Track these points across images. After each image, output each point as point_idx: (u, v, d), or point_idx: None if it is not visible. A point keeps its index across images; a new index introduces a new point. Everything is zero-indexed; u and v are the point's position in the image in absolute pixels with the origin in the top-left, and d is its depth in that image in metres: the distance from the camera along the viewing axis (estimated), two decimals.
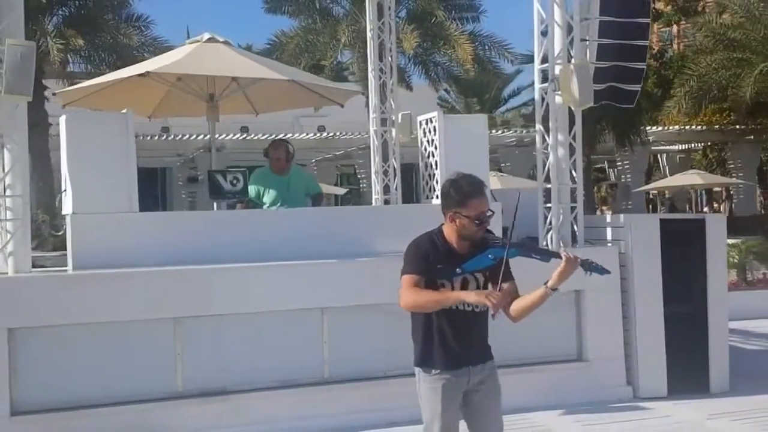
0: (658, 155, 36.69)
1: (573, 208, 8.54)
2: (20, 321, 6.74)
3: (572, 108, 8.45)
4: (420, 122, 8.77)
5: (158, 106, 9.87)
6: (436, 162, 8.38)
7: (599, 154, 32.55)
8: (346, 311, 7.58)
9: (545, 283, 4.27)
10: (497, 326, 4.46)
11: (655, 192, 35.69)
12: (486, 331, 4.58)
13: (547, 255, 4.39)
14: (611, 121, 25.76)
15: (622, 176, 33.40)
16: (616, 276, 8.11)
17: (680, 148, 34.74)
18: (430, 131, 8.51)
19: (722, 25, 29.21)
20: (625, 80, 8.72)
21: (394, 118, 12.20)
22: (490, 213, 4.40)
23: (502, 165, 29.51)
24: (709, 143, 35.17)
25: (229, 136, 27.28)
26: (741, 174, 32.05)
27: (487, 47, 26.01)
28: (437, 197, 8.40)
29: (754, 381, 8.78)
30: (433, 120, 8.45)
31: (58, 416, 6.82)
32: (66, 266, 7.63)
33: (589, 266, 4.24)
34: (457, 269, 4.39)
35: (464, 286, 4.39)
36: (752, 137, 32.01)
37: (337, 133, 28.74)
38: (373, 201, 11.51)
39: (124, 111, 7.48)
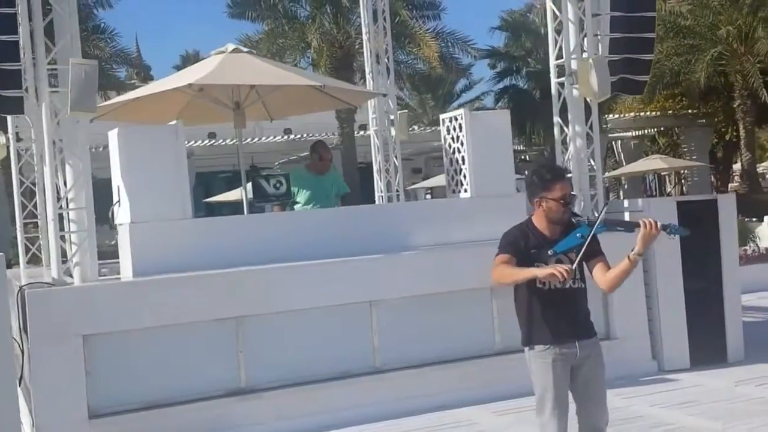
0: (613, 142, 37.59)
1: (593, 196, 9.03)
2: (93, 328, 7.00)
3: (588, 100, 8.94)
4: (443, 120, 9.17)
5: (179, 115, 10.12)
6: (463, 158, 8.79)
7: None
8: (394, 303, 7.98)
9: (631, 251, 4.64)
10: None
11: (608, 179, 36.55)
12: (586, 308, 5.00)
13: (630, 226, 4.77)
14: None
15: None
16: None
17: (634, 134, 35.65)
18: (455, 128, 8.92)
19: (671, 12, 30.11)
20: (634, 71, 9.23)
21: (393, 117, 12.64)
22: (574, 194, 4.83)
23: None
24: (662, 128, 36.15)
25: (198, 143, 27.41)
26: (694, 157, 33.03)
27: (450, 44, 26.55)
28: (465, 191, 8.85)
29: (763, 349, 9.37)
30: (459, 118, 8.86)
31: (132, 417, 7.09)
32: (118, 274, 7.93)
33: (669, 229, 4.67)
34: (549, 251, 4.81)
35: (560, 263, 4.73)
36: (704, 121, 33.03)
37: (304, 135, 29.00)
38: (377, 199, 11.90)
39: (174, 122, 7.78)
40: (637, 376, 8.55)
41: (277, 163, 31.36)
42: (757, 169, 34.83)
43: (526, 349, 4.98)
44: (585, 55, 9.01)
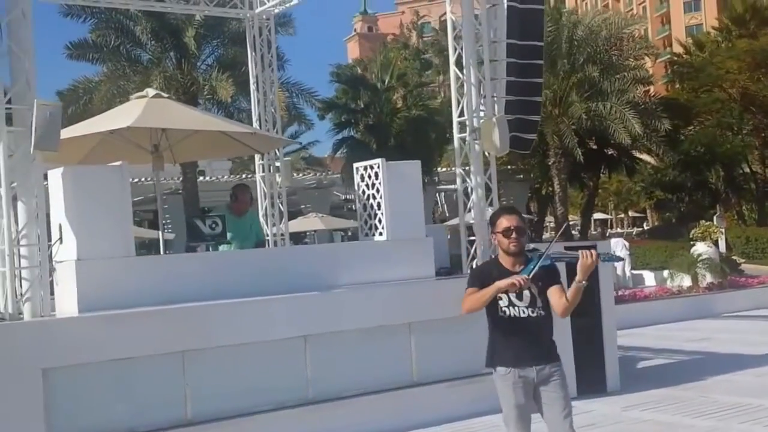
0: (437, 194, 39.46)
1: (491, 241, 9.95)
2: (53, 361, 7.15)
3: (487, 154, 9.92)
4: (357, 168, 9.86)
5: (88, 155, 10.27)
6: (378, 203, 9.50)
7: None
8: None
9: (574, 280, 5.35)
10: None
11: None
12: (549, 334, 5.63)
13: (574, 257, 5.45)
14: None
15: None
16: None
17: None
18: (369, 176, 9.63)
19: None
20: (524, 130, 10.31)
21: (278, 164, 13.23)
22: (515, 227, 5.55)
23: (303, 206, 30.82)
24: None
25: None
26: None
27: (294, 94, 27.32)
28: (380, 234, 9.56)
29: (634, 380, 10.57)
30: (375, 166, 9.57)
31: None
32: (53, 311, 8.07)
33: (603, 257, 5.54)
34: None
35: (519, 296, 5.45)
36: (521, 176, 35.44)
37: (142, 179, 28.79)
38: (279, 243, 12.41)
39: (119, 163, 8.06)
40: None
41: None
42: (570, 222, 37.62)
43: (492, 370, 5.65)
44: (482, 114, 9.99)
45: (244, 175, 38.95)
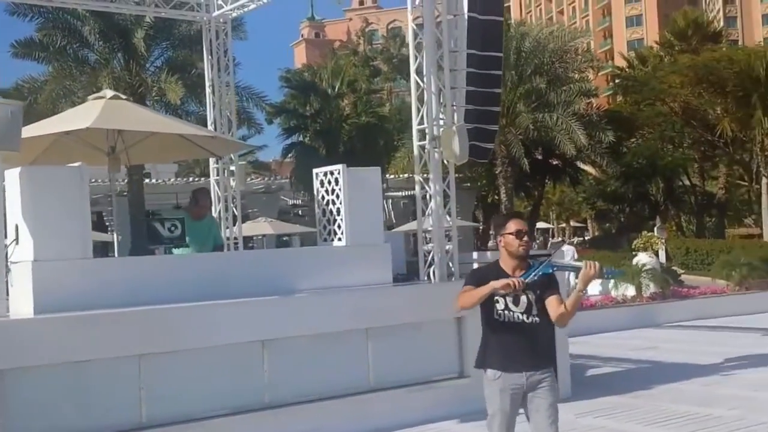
0: (384, 201, 39.61)
1: (448, 250, 10.03)
2: (5, 363, 7.04)
3: (447, 162, 9.99)
4: (317, 174, 9.86)
5: (40, 157, 10.10)
6: (338, 209, 9.52)
7: None
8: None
9: (575, 289, 5.46)
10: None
11: None
12: (544, 341, 5.68)
13: (576, 268, 5.58)
14: None
15: None
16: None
17: (404, 194, 37.83)
18: (329, 182, 9.64)
19: None
20: (482, 139, 10.42)
21: (233, 168, 13.18)
22: (527, 230, 5.64)
23: (250, 211, 30.65)
24: None
25: None
26: (459, 217, 35.60)
27: (245, 98, 27.16)
28: (339, 239, 9.57)
29: (584, 387, 10.72)
30: (335, 172, 9.59)
31: None
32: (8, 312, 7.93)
33: (605, 272, 5.64)
34: None
35: (515, 301, 5.54)
36: (468, 185, 35.71)
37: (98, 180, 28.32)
38: (232, 246, 12.33)
39: (78, 164, 7.96)
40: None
41: None
42: None
43: (483, 372, 5.71)
44: (442, 122, 10.06)
45: (190, 178, 38.66)
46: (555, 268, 5.58)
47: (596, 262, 5.46)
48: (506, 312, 5.52)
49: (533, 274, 5.46)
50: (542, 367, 5.62)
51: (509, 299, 5.52)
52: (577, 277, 5.54)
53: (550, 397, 5.61)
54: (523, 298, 5.55)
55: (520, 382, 5.57)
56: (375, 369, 9.09)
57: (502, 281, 5.33)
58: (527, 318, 5.54)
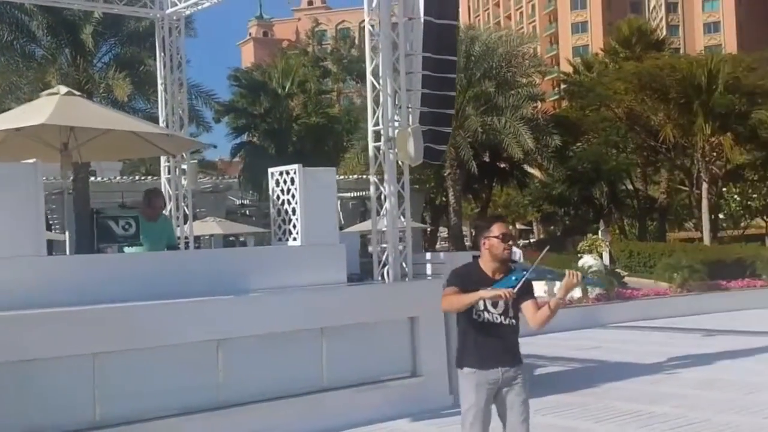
0: None
1: (402, 250, 10.14)
2: None
3: (401, 163, 10.10)
4: (272, 173, 9.89)
5: None
6: (293, 209, 9.56)
7: None
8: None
9: (555, 296, 5.61)
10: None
11: None
12: (516, 341, 5.81)
13: (556, 274, 5.75)
14: None
15: None
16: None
17: (353, 195, 37.86)
18: (285, 182, 9.68)
19: None
20: (436, 141, 10.54)
21: (184, 167, 13.13)
22: (511, 234, 5.77)
23: (198, 210, 30.41)
24: None
25: None
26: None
27: (194, 96, 26.97)
28: (294, 239, 9.62)
29: (531, 386, 10.87)
30: (291, 172, 9.63)
31: None
32: None
33: (587, 280, 5.78)
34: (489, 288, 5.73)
35: (495, 303, 5.63)
36: (417, 186, 35.87)
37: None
38: (183, 246, 12.29)
39: (33, 161, 7.89)
40: (439, 410, 9.65)
41: None
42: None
43: (458, 369, 5.83)
44: (398, 124, 10.16)
45: (136, 177, 38.26)
46: (536, 275, 5.71)
47: (578, 272, 5.66)
48: (485, 313, 5.65)
49: (515, 280, 5.57)
50: (516, 364, 5.79)
51: (488, 301, 5.64)
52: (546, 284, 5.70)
53: (523, 393, 5.80)
54: (501, 301, 5.64)
55: (495, 377, 5.71)
56: (329, 368, 9.17)
57: (494, 293, 5.43)
58: (505, 319, 5.69)
